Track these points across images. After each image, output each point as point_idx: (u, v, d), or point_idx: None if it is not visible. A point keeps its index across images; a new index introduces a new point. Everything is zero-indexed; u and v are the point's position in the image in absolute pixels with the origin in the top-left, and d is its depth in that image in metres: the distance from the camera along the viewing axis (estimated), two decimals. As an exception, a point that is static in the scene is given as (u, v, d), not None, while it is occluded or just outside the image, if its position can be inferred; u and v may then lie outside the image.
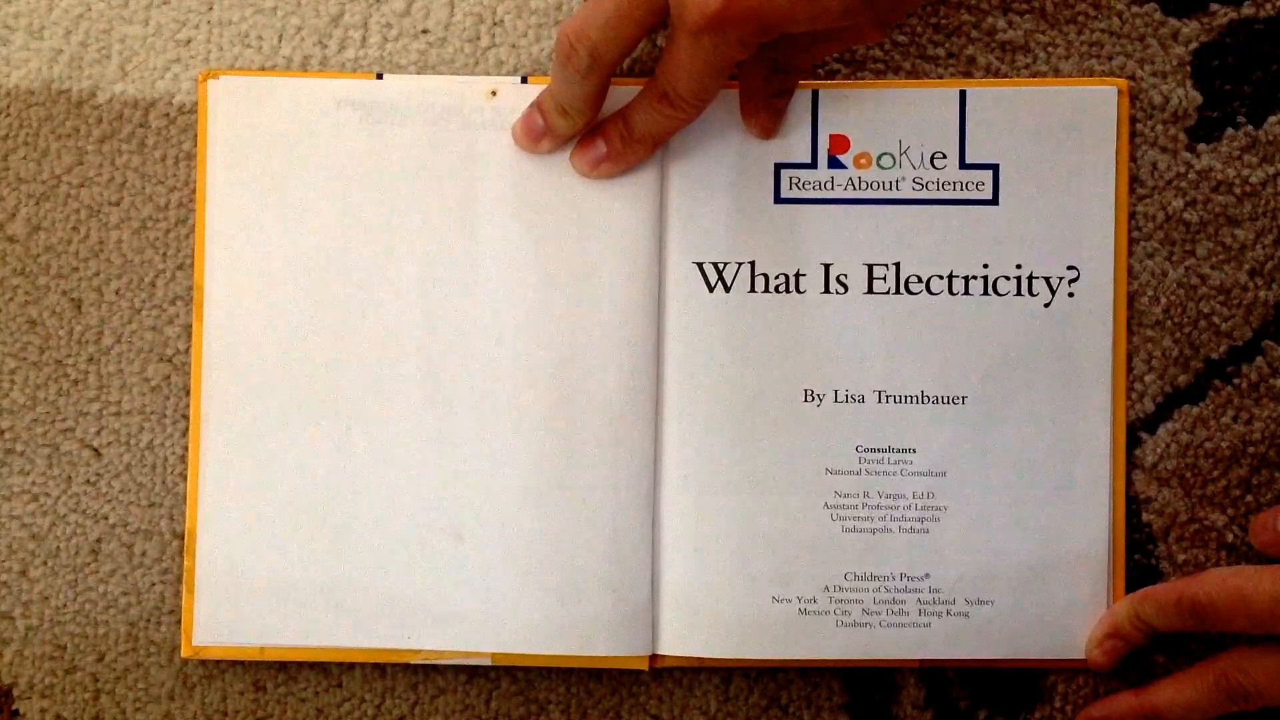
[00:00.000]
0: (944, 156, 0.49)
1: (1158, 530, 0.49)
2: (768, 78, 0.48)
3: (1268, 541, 0.47)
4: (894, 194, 0.49)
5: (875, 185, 0.49)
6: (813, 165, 0.49)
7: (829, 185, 0.49)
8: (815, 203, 0.49)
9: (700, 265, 0.49)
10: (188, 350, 0.50)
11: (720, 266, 0.49)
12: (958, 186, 0.49)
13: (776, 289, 0.49)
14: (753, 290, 0.49)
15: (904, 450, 0.49)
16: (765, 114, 0.49)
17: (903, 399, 0.49)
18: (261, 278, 0.49)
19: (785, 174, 0.49)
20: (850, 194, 0.49)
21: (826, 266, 0.49)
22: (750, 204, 0.49)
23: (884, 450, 0.49)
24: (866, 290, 0.49)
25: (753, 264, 0.49)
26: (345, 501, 0.49)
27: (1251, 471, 0.49)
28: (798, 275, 0.49)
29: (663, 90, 0.45)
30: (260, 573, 0.49)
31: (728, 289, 0.49)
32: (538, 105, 0.48)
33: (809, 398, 0.49)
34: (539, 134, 0.48)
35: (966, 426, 0.49)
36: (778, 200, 0.49)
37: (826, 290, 0.49)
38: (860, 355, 0.49)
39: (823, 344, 0.49)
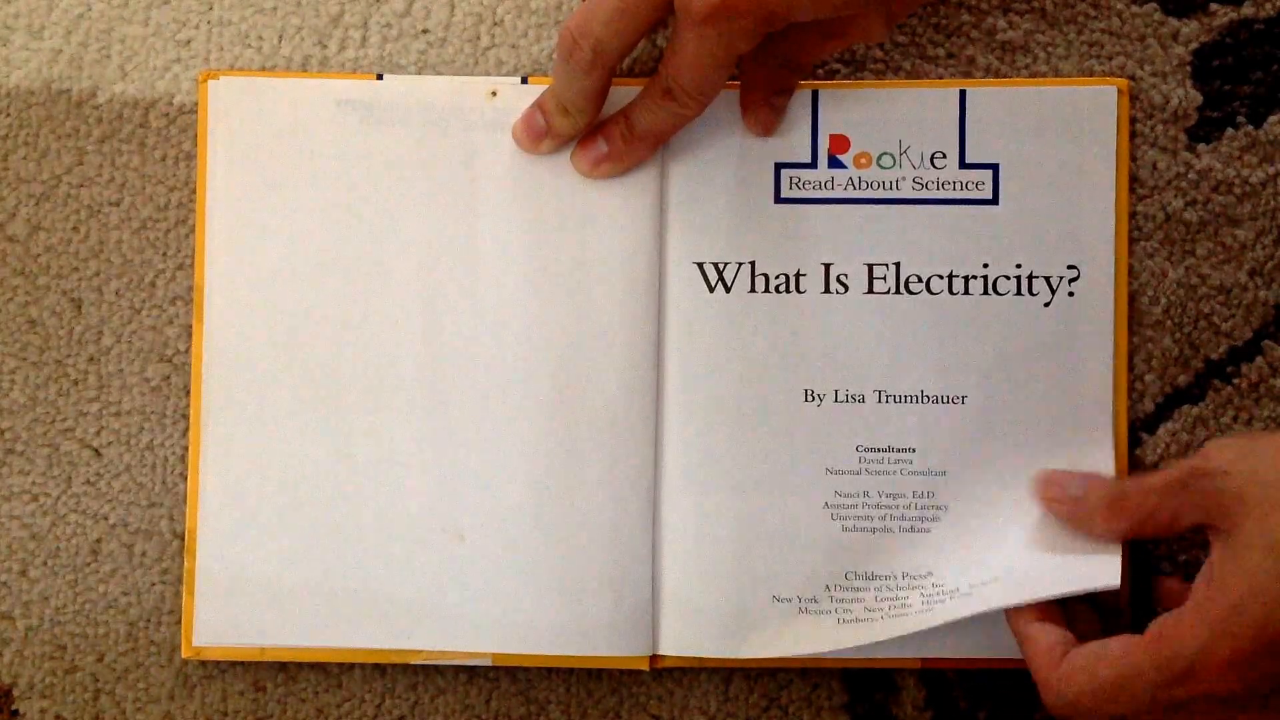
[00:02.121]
0: (944, 156, 0.49)
1: (1158, 530, 0.50)
2: (769, 75, 0.48)
3: (1053, 497, 0.47)
4: (894, 194, 0.49)
5: (875, 185, 0.49)
6: (813, 165, 0.49)
7: (829, 185, 0.49)
8: (815, 202, 0.49)
9: (700, 265, 0.49)
10: (188, 350, 0.50)
11: (720, 266, 0.49)
12: (958, 186, 0.49)
13: (777, 289, 0.49)
14: (753, 290, 0.49)
15: (904, 450, 0.49)
16: (765, 111, 0.49)
17: (903, 399, 0.49)
18: (261, 278, 0.49)
19: (785, 174, 0.49)
20: (850, 194, 0.49)
21: (826, 266, 0.49)
22: (750, 204, 0.49)
23: (884, 450, 0.49)
24: (867, 290, 0.49)
25: (753, 264, 0.49)
26: (345, 501, 0.49)
27: (1252, 471, 0.49)
28: (798, 275, 0.49)
29: (666, 85, 0.45)
30: (260, 573, 0.48)
31: (728, 289, 0.49)
32: (539, 105, 0.48)
33: (809, 397, 0.49)
34: (540, 134, 0.48)
35: (967, 426, 0.49)
36: (778, 200, 0.49)
37: (827, 290, 0.49)
38: (860, 355, 0.49)
39: (823, 344, 0.49)
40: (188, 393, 0.50)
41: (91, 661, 0.50)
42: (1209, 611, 0.41)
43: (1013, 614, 0.46)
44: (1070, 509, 0.47)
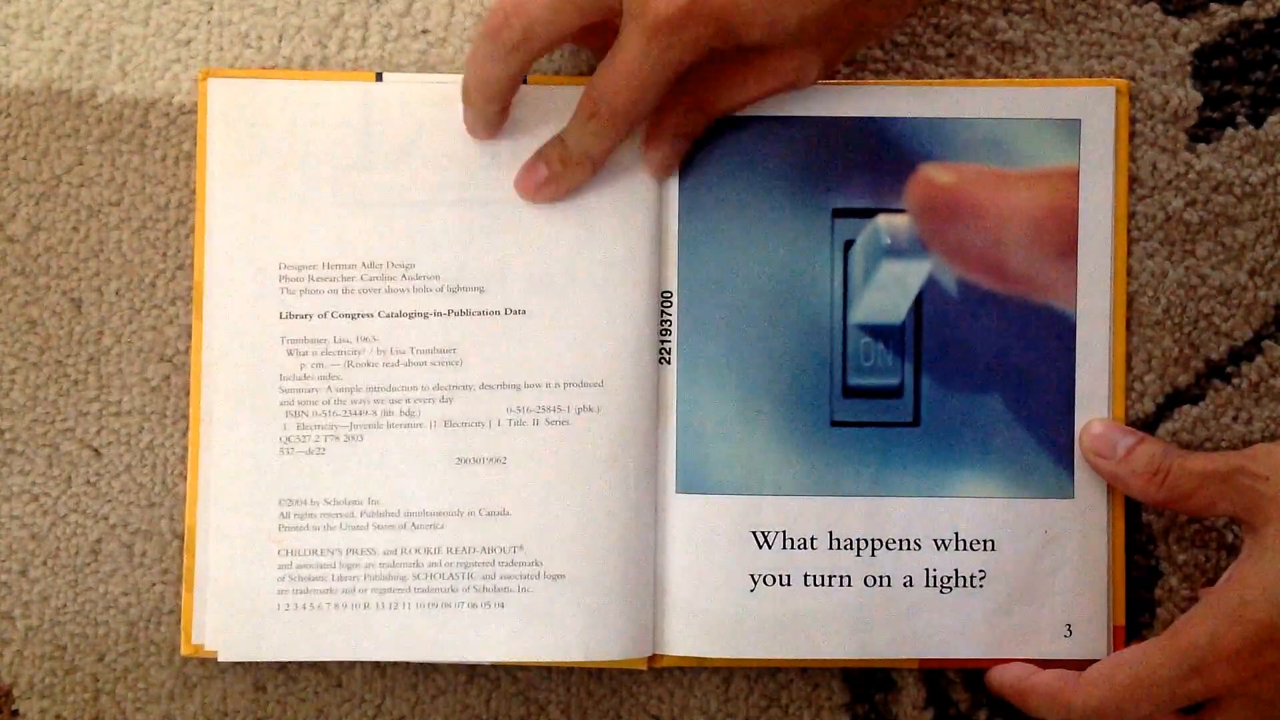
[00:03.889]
0: None
1: (1158, 530, 0.49)
2: (679, 117, 0.47)
3: (1096, 451, 0.48)
4: None
5: None
6: None
7: None
8: None
9: None
10: (188, 350, 0.50)
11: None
12: None
13: None
14: None
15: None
16: (667, 149, 0.48)
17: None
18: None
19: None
20: None
21: None
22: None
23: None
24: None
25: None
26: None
27: (1251, 471, 0.49)
28: None
29: (594, 107, 0.44)
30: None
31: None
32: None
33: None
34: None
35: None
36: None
37: None
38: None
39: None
40: (188, 393, 0.50)
41: (91, 661, 0.50)
42: (1220, 604, 0.43)
43: (996, 673, 0.48)
44: (1111, 467, 0.48)
